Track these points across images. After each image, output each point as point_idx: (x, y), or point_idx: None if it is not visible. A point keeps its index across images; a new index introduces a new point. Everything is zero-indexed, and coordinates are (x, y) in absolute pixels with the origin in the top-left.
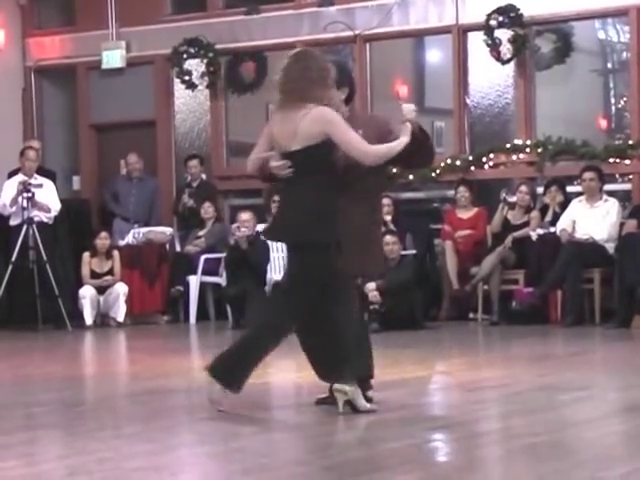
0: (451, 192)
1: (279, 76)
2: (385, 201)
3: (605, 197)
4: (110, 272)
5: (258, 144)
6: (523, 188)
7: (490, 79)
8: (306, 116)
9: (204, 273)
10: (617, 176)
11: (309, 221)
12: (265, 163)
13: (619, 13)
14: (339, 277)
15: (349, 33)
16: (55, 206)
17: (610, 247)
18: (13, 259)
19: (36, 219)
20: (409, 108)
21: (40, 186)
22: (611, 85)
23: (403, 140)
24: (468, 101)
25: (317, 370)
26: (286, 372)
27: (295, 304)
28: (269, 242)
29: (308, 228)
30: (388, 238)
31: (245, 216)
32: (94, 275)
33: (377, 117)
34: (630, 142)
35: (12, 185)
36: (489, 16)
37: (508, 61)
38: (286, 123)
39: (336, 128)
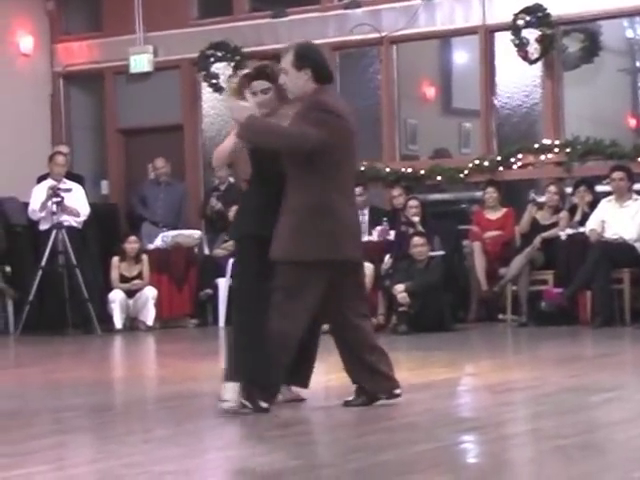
0: (479, 193)
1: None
2: (413, 202)
3: (634, 196)
4: (139, 276)
5: None
6: (552, 188)
7: (517, 79)
8: None
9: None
10: None
11: None
12: None
13: None
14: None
15: (375, 35)
16: (84, 210)
17: None
18: (43, 264)
19: (65, 223)
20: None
21: (69, 191)
22: (639, 84)
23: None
24: (495, 102)
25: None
26: (314, 374)
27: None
28: None
29: None
30: (416, 240)
31: None
32: (123, 279)
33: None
34: None
35: (41, 190)
36: (516, 16)
37: (535, 61)
38: None
39: None
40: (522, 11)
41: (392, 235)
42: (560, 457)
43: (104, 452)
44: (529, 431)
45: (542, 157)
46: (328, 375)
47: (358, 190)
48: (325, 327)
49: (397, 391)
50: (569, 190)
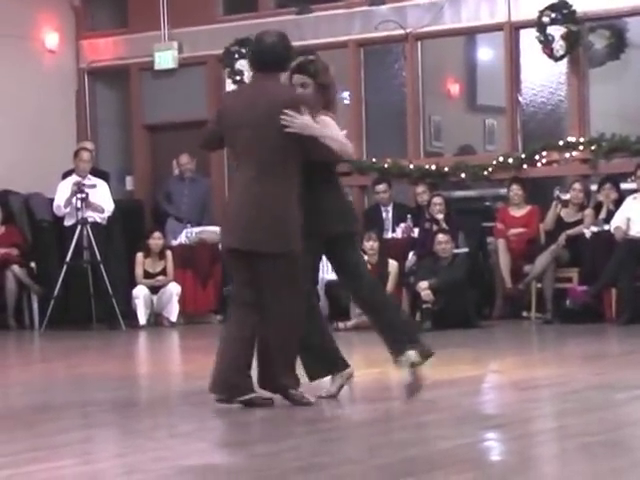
0: (503, 190)
1: (331, 77)
2: (437, 199)
3: None
4: (163, 272)
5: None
6: (577, 186)
7: (543, 76)
8: None
9: None
10: None
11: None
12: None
13: None
14: None
15: (400, 32)
16: (109, 207)
17: None
18: (68, 259)
19: (90, 219)
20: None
21: (94, 187)
22: None
23: None
24: (520, 99)
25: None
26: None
27: None
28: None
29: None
30: (441, 237)
31: None
32: (147, 275)
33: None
34: None
35: (66, 186)
36: (542, 13)
37: (561, 58)
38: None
39: None
40: (547, 8)
41: (416, 232)
42: (585, 455)
43: (130, 447)
44: (554, 428)
45: (567, 154)
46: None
47: (382, 187)
48: (342, 325)
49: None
50: (594, 187)
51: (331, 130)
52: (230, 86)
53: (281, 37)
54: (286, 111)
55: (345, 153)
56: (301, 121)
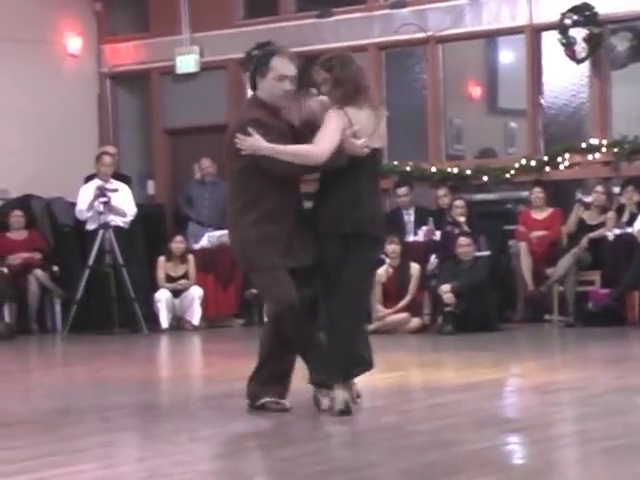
0: (525, 193)
1: (352, 71)
2: (459, 203)
3: None
4: (185, 276)
5: (333, 134)
6: (599, 188)
7: (564, 79)
8: (383, 118)
9: None
10: None
11: (378, 215)
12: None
13: None
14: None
15: (421, 35)
16: (131, 210)
17: None
18: (90, 263)
19: (112, 223)
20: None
21: (116, 191)
22: None
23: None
24: (542, 101)
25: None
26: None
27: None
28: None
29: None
30: (462, 240)
31: None
32: (169, 279)
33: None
34: None
35: (89, 190)
36: (563, 15)
37: (583, 60)
38: (368, 120)
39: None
40: (569, 10)
41: (438, 235)
42: (607, 459)
43: (151, 450)
44: (576, 432)
45: (589, 157)
46: (373, 375)
47: (403, 190)
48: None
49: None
50: (616, 190)
51: (325, 131)
52: (251, 90)
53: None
54: (237, 135)
55: (355, 152)
56: (249, 143)
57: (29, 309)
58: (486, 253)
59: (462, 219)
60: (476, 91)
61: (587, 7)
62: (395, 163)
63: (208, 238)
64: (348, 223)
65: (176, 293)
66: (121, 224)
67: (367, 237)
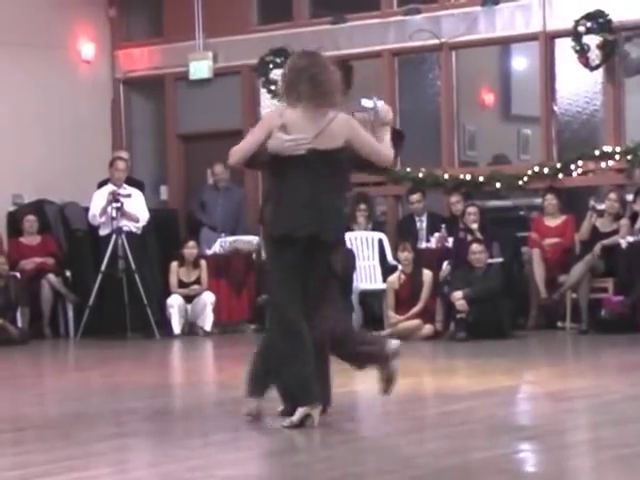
0: (538, 200)
1: (316, 73)
2: (472, 209)
3: None
4: (197, 281)
5: (253, 134)
6: (612, 195)
7: (578, 86)
8: (333, 120)
9: None
10: None
11: (332, 219)
12: (262, 150)
13: None
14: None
15: (435, 41)
16: (144, 216)
17: None
18: (103, 268)
19: (125, 229)
20: (387, 110)
21: (129, 196)
22: None
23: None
24: (555, 108)
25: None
26: (372, 380)
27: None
28: (354, 250)
29: (334, 226)
30: (475, 247)
31: None
32: (182, 284)
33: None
34: None
35: (102, 195)
36: (577, 22)
37: (597, 67)
38: (308, 121)
39: (359, 134)
40: (583, 17)
41: (450, 242)
42: (621, 466)
43: (165, 456)
44: (590, 440)
45: (603, 164)
46: None
47: (416, 197)
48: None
49: None
50: (630, 197)
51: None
52: (265, 96)
53: None
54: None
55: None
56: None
57: (42, 314)
58: (499, 260)
59: (475, 226)
60: (489, 98)
61: (601, 14)
62: (408, 169)
63: (221, 244)
64: (300, 227)
65: (188, 299)
66: (134, 229)
67: (321, 241)
